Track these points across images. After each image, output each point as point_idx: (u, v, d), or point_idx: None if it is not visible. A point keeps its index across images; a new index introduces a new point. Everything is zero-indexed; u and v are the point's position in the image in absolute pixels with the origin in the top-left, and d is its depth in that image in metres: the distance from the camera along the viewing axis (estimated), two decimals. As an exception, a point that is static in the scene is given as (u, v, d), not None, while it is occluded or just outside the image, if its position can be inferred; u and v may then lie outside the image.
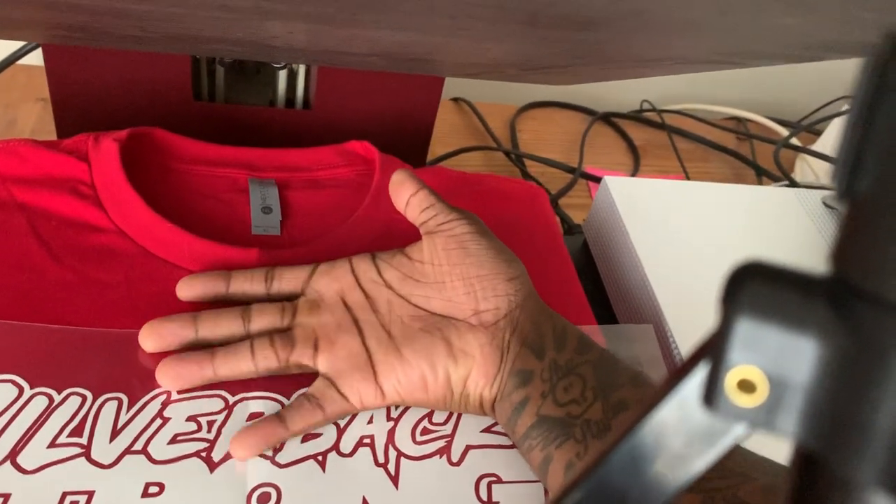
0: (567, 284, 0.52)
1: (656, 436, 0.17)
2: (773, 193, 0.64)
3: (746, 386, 0.15)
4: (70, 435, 0.37)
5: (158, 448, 0.38)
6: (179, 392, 0.40)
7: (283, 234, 0.50)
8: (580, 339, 0.41)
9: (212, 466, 0.38)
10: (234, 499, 0.37)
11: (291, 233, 0.51)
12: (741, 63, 0.38)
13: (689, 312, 0.51)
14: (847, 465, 0.14)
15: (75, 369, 0.40)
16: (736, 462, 0.35)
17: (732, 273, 0.15)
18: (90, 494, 0.35)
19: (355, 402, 0.41)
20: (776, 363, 0.15)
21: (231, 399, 0.41)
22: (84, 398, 0.39)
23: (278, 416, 0.39)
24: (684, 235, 0.57)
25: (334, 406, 0.40)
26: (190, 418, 0.39)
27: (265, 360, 0.41)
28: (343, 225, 0.50)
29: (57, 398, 0.38)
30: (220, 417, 0.40)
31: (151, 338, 0.41)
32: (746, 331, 0.15)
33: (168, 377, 0.40)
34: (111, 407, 0.39)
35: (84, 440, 0.37)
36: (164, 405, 0.39)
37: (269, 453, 0.39)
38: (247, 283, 0.44)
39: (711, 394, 0.15)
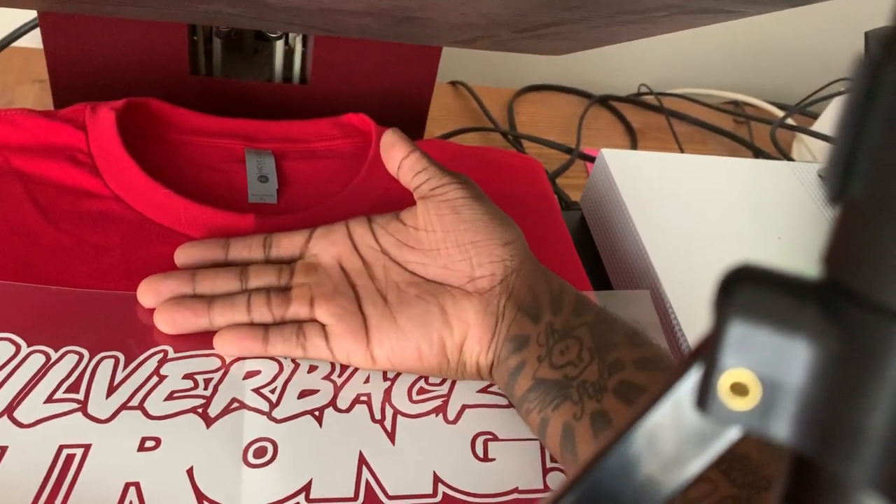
0: (565, 255, 0.52)
1: (649, 439, 0.17)
2: (770, 167, 0.64)
3: (739, 389, 0.15)
4: (67, 391, 0.37)
5: (155, 404, 0.38)
6: (174, 345, 0.40)
7: (279, 203, 0.50)
8: (577, 300, 0.41)
9: (208, 422, 0.38)
10: (230, 453, 0.37)
11: (288, 201, 0.51)
12: (741, 11, 0.38)
13: (686, 283, 0.51)
14: (840, 468, 0.14)
15: (72, 329, 0.40)
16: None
17: (725, 276, 0.15)
18: (86, 448, 0.35)
19: (341, 359, 0.41)
20: (769, 366, 0.15)
21: (228, 357, 0.41)
22: (81, 356, 0.39)
23: (263, 333, 0.41)
24: (681, 207, 0.57)
25: (318, 353, 0.41)
26: (186, 376, 0.39)
27: (260, 315, 0.41)
28: (339, 194, 0.50)
29: (54, 356, 0.38)
30: (217, 375, 0.40)
31: (150, 294, 0.41)
32: (739, 334, 0.15)
33: (164, 321, 0.40)
34: (108, 365, 0.39)
35: (80, 396, 0.37)
36: (161, 363, 0.40)
37: (266, 408, 0.39)
38: (245, 250, 0.44)
39: (704, 397, 0.15)
